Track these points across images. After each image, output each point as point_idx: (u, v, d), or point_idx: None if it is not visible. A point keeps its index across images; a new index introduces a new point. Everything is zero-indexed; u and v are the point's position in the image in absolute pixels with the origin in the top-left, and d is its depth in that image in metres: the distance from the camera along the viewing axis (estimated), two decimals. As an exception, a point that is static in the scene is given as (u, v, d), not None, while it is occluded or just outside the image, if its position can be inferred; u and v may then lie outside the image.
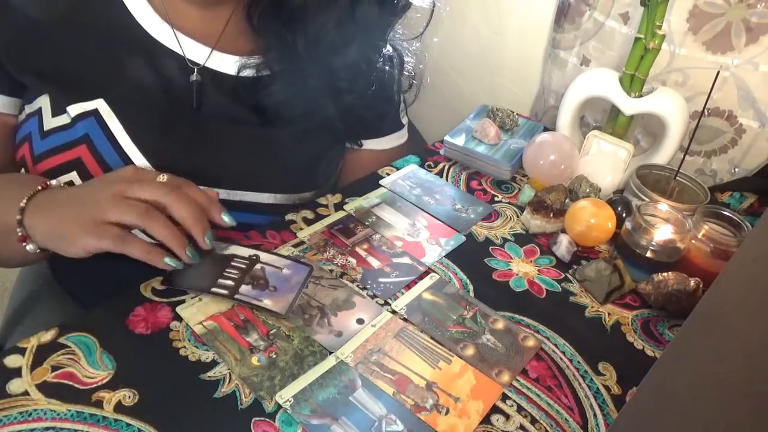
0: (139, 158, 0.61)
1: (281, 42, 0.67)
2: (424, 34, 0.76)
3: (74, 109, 0.60)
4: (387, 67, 0.74)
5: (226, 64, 0.67)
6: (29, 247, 0.53)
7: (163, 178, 0.53)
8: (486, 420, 0.49)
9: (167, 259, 0.52)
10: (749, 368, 0.34)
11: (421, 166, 0.82)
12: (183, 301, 0.55)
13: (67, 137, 0.61)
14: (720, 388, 0.33)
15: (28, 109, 0.63)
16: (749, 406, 0.32)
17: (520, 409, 0.51)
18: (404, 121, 0.85)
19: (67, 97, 0.61)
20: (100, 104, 0.61)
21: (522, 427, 0.49)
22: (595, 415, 0.51)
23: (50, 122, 0.61)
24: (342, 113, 0.72)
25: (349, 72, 0.70)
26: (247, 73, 0.67)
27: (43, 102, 0.62)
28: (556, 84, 0.99)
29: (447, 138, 0.84)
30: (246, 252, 0.60)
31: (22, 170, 0.63)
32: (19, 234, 0.52)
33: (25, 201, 0.53)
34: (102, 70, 0.61)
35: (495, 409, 0.50)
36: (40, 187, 0.54)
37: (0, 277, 1.57)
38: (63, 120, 0.61)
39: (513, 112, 0.90)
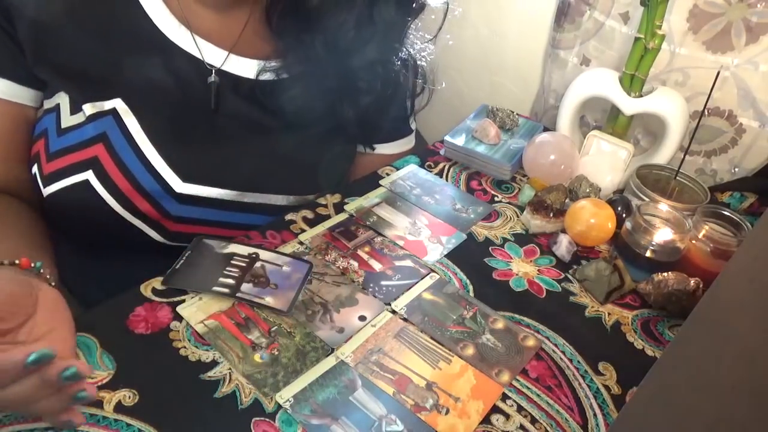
0: (155, 158, 0.62)
1: (300, 44, 0.67)
2: (433, 33, 0.77)
3: (89, 108, 0.61)
4: (403, 71, 0.75)
5: (243, 67, 0.67)
6: None
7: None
8: (486, 420, 0.49)
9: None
10: (749, 368, 0.34)
11: (421, 166, 0.82)
12: (183, 301, 0.55)
13: (83, 135, 0.61)
14: (720, 388, 0.33)
15: (47, 104, 0.63)
16: (749, 406, 0.32)
17: (520, 408, 0.51)
18: (413, 126, 0.86)
19: (83, 96, 0.61)
20: (117, 104, 0.61)
21: (522, 426, 0.49)
22: (595, 415, 0.51)
23: (68, 120, 0.61)
24: (358, 117, 0.72)
25: (367, 73, 0.70)
26: (266, 76, 0.67)
27: (62, 99, 0.62)
28: (556, 84, 0.99)
29: (447, 138, 0.84)
30: (246, 250, 0.60)
31: (35, 166, 0.63)
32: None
33: None
34: (120, 70, 0.61)
35: (495, 409, 0.50)
36: None
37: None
38: (80, 118, 0.61)
39: (513, 112, 0.90)
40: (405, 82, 0.77)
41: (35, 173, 0.63)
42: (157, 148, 0.62)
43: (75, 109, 0.61)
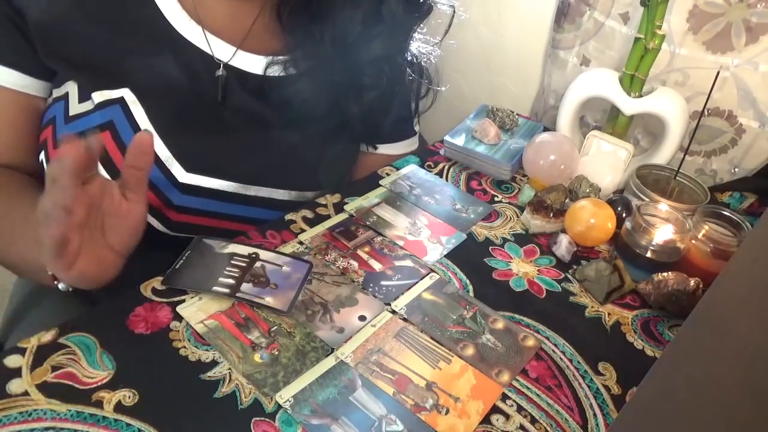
0: (161, 147, 0.62)
1: (309, 38, 0.68)
2: (436, 35, 0.77)
3: (98, 96, 0.61)
4: (408, 71, 0.75)
5: (251, 63, 0.68)
6: (61, 286, 0.54)
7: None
8: (486, 420, 0.49)
9: None
10: (749, 368, 0.34)
11: (421, 166, 0.82)
12: (183, 301, 0.55)
13: (90, 123, 0.62)
14: (720, 388, 0.33)
15: (56, 93, 0.64)
16: (749, 406, 0.32)
17: (520, 409, 0.51)
18: (416, 128, 0.86)
19: (93, 85, 0.62)
20: (125, 93, 0.62)
21: (522, 427, 0.49)
22: (595, 415, 0.51)
23: (76, 108, 0.62)
24: (362, 115, 0.73)
25: (373, 69, 0.71)
26: (274, 71, 0.68)
27: (71, 88, 0.63)
28: (556, 84, 0.99)
29: (447, 138, 0.84)
30: (246, 250, 0.60)
31: (42, 154, 0.63)
32: (50, 274, 0.53)
33: None
34: (128, 62, 0.62)
35: (495, 409, 0.50)
36: None
37: (0, 277, 1.57)
38: (88, 106, 0.62)
39: (513, 112, 0.90)
40: (410, 83, 0.77)
41: (42, 160, 0.63)
42: (162, 138, 0.62)
43: (83, 97, 0.62)
